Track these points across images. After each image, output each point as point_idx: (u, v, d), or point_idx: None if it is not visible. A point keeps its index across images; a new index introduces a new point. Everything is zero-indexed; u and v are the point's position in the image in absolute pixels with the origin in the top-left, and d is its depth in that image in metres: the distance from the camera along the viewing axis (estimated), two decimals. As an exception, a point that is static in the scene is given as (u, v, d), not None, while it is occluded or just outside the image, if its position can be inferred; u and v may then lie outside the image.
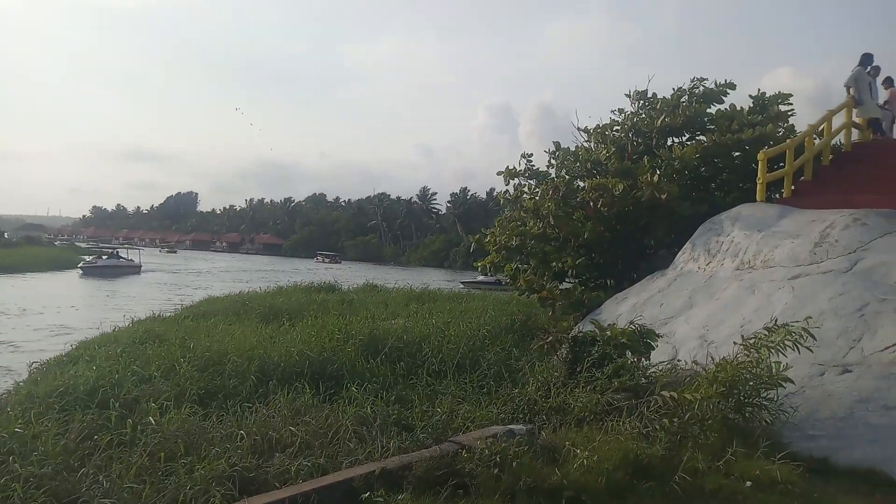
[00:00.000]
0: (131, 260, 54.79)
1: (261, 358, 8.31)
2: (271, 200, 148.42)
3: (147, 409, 6.39)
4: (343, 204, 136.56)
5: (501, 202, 16.22)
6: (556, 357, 8.57)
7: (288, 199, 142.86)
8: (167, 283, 43.82)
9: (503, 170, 15.35)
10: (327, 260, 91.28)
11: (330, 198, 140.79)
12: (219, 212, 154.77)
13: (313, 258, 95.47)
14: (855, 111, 13.43)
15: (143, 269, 52.62)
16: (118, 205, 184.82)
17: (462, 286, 33.23)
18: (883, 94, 14.36)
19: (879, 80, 14.21)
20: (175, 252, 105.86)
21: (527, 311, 13.08)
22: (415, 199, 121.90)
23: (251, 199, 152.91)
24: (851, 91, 13.29)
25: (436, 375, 8.34)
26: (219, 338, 9.98)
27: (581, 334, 7.75)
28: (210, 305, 16.44)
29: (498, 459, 4.86)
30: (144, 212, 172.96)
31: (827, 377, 6.87)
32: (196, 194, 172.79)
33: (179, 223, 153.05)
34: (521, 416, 6.61)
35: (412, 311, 14.05)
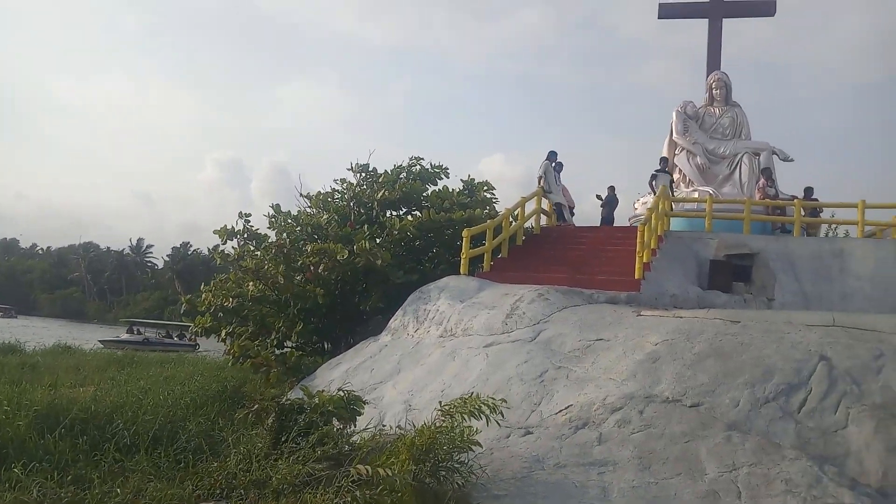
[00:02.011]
0: None
1: None
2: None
3: None
4: (41, 252, 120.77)
5: (217, 261, 15.68)
6: (262, 427, 8.31)
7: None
8: None
9: (220, 228, 14.89)
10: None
11: (24, 244, 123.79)
12: None
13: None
14: (544, 199, 15.38)
15: None
16: None
17: (101, 345, 30.56)
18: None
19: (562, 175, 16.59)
20: None
21: (240, 378, 12.58)
22: (128, 250, 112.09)
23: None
24: (541, 182, 15.24)
25: (127, 450, 7.58)
26: None
27: (288, 402, 7.63)
28: None
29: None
30: None
31: (512, 439, 7.50)
32: None
33: None
34: (218, 491, 6.25)
35: (109, 376, 12.73)
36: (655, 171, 16.15)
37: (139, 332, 42.70)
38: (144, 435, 8.03)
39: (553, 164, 16.04)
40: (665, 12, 19.55)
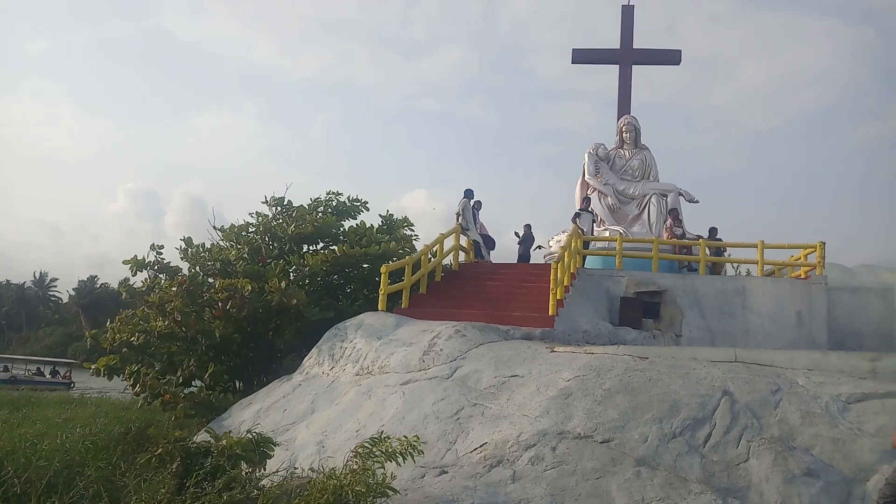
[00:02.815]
0: None
1: None
2: None
3: None
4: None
5: (124, 295, 15.02)
6: (166, 471, 7.93)
7: None
8: None
9: (130, 258, 14.30)
10: None
11: None
12: None
13: None
14: (462, 236, 15.54)
15: None
16: None
17: None
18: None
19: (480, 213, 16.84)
20: None
21: (147, 419, 11.98)
22: (29, 284, 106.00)
23: None
24: (460, 219, 15.41)
25: (17, 501, 7.07)
26: None
27: (194, 445, 7.33)
28: None
29: None
30: None
31: (427, 479, 7.42)
32: None
33: None
34: (115, 542, 5.90)
35: (1, 419, 11.89)
36: (579, 209, 16.60)
37: (6, 370, 39.44)
38: (38, 482, 7.52)
39: (471, 202, 16.28)
40: (578, 57, 20.34)
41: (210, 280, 13.97)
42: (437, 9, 72.73)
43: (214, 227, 15.51)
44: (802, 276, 15.04)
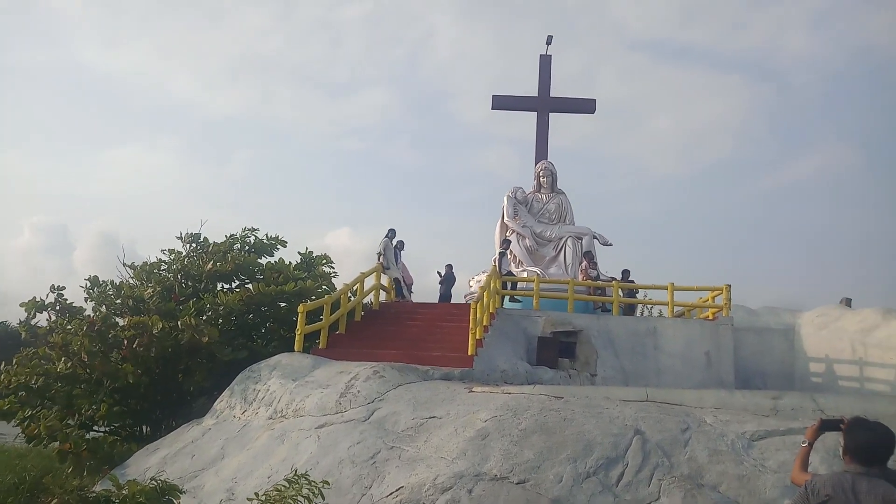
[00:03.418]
0: None
1: None
2: None
3: None
4: None
5: (23, 335, 14.16)
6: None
7: None
8: None
9: (27, 301, 13.53)
10: None
11: None
12: None
13: None
14: (383, 275, 15.48)
15: None
16: None
17: None
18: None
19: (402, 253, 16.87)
20: None
21: (44, 467, 11.22)
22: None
23: None
24: (381, 258, 15.36)
25: None
26: None
27: (93, 494, 6.92)
28: None
29: None
30: None
31: (341, 525, 7.24)
32: None
33: None
34: None
35: None
36: (500, 251, 16.83)
37: None
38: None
39: (393, 241, 16.30)
40: (498, 103, 20.90)
41: (118, 320, 13.35)
42: (361, 51, 73.52)
43: (125, 265, 14.91)
44: (710, 318, 15.65)
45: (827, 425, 3.66)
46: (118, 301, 13.92)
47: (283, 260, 15.03)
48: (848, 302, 17.70)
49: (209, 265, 13.91)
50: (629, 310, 17.04)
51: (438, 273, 18.61)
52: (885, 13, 59.72)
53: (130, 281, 14.51)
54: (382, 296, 15.91)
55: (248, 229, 15.06)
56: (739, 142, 64.91)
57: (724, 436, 7.87)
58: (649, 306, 22.79)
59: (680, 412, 8.42)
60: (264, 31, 70.10)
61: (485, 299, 12.88)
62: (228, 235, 14.94)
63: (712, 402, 8.87)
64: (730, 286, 15.27)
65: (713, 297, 16.03)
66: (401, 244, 16.85)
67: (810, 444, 3.83)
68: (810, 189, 60.68)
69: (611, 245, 18.71)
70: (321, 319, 12.77)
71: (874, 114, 59.16)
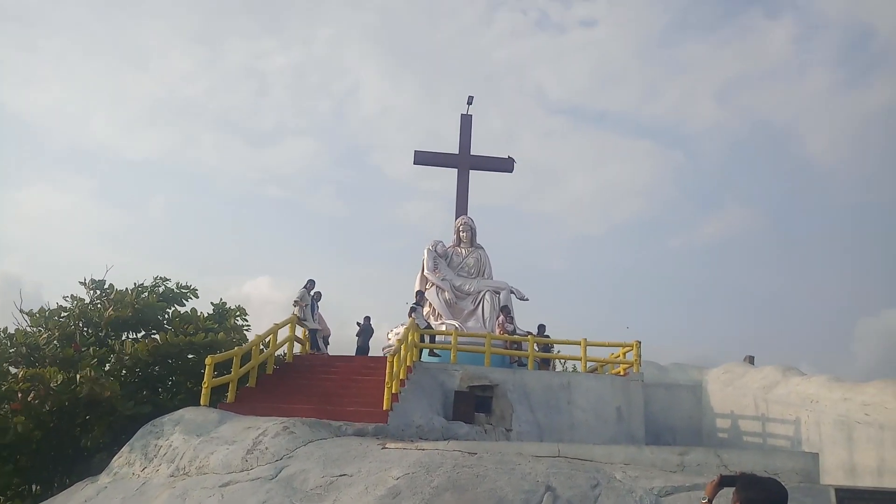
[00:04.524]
0: None
1: None
2: None
3: None
4: None
5: None
6: None
7: None
8: None
9: None
10: None
11: None
12: None
13: None
14: (299, 327, 15.16)
15: None
16: None
17: None
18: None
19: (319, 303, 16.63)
20: None
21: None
22: None
23: None
24: (296, 310, 15.06)
25: None
26: None
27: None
28: None
29: None
30: None
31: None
32: None
33: None
34: None
35: None
36: (414, 304, 16.75)
37: None
38: None
39: (311, 292, 16.03)
40: (419, 159, 21.20)
41: (12, 369, 12.50)
42: (287, 101, 73.32)
43: (22, 311, 14.03)
44: (622, 373, 15.98)
45: (726, 481, 3.74)
46: (12, 350, 13.05)
47: (195, 310, 14.52)
48: (751, 359, 18.45)
49: (112, 311, 13.25)
50: (545, 364, 17.22)
51: (357, 324, 18.40)
52: (781, 88, 64.29)
53: (27, 328, 13.67)
54: (297, 348, 15.54)
55: (160, 278, 14.53)
56: (651, 203, 67.83)
57: (632, 492, 7.98)
58: (564, 361, 23.11)
59: (590, 468, 8.50)
60: (188, 75, 69.12)
61: (402, 352, 12.76)
62: (137, 283, 14.34)
63: (622, 457, 9.00)
64: (640, 343, 15.68)
65: (624, 353, 16.39)
66: (318, 295, 16.60)
67: (710, 501, 3.91)
68: (717, 250, 63.70)
69: (527, 300, 18.99)
70: (230, 372, 12.32)
71: (773, 181, 63.08)
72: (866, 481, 12.25)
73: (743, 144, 64.26)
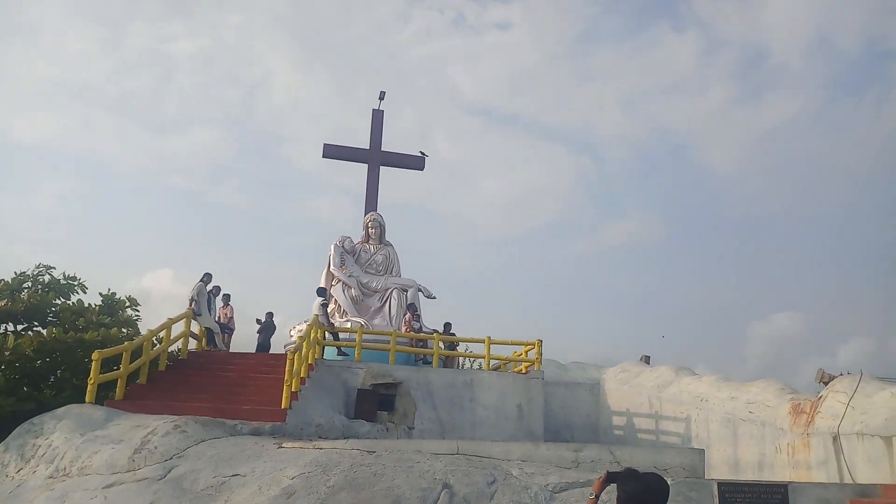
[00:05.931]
0: None
1: None
2: None
3: None
4: None
5: None
6: None
7: None
8: None
9: None
10: None
11: None
12: None
13: None
14: (194, 322, 14.60)
15: None
16: None
17: None
18: (217, 310, 16.28)
19: (218, 298, 16.13)
20: None
21: None
22: None
23: None
24: (193, 304, 14.50)
25: None
26: None
27: None
28: None
29: None
30: None
31: None
32: None
33: None
34: None
35: None
36: (323, 301, 16.37)
37: None
38: None
39: (207, 287, 15.46)
40: (329, 153, 20.88)
41: None
42: (193, 88, 70.35)
43: None
44: (524, 371, 16.24)
45: (612, 477, 3.82)
46: None
47: (82, 302, 13.73)
48: (647, 359, 19.18)
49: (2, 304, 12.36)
50: (450, 362, 17.30)
51: (258, 321, 17.94)
52: (683, 100, 67.16)
53: None
54: (193, 344, 14.97)
55: (43, 266, 13.66)
56: (561, 207, 69.46)
57: (528, 488, 8.10)
58: (470, 359, 23.32)
59: (488, 465, 8.57)
60: (87, 56, 65.42)
61: (303, 349, 12.51)
62: (19, 272, 13.43)
63: (519, 454, 9.13)
64: (541, 341, 15.98)
65: (526, 352, 16.68)
66: (216, 289, 16.07)
67: (597, 497, 3.97)
68: (622, 253, 65.83)
69: (434, 298, 19.01)
70: (119, 368, 11.73)
71: (674, 189, 65.83)
72: (748, 475, 12.95)
73: (646, 153, 66.77)
